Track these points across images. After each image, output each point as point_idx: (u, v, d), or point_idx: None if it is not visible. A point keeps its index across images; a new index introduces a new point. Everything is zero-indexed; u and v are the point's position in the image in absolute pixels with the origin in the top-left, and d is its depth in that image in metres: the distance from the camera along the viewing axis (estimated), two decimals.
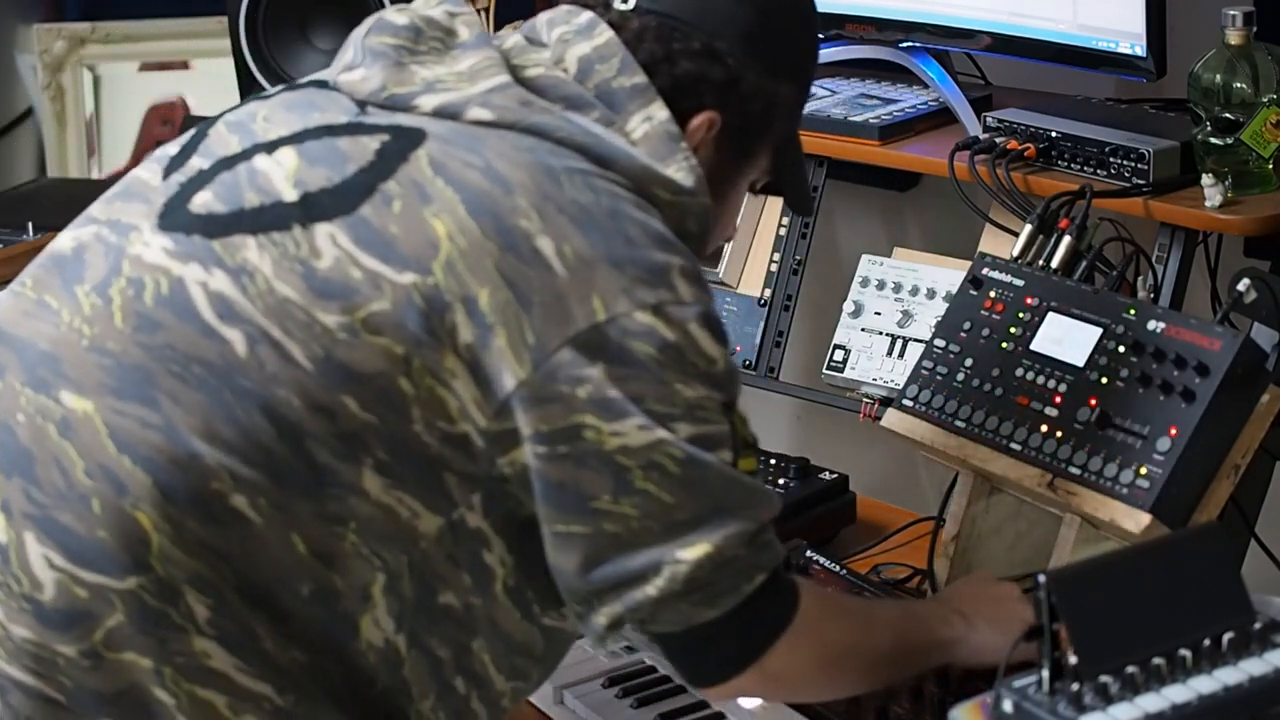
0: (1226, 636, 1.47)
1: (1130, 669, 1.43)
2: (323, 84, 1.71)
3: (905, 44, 2.53)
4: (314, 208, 1.57)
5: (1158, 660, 1.44)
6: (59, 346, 1.58)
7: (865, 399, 2.40)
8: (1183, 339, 1.91)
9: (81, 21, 3.55)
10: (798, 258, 2.55)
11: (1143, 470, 1.88)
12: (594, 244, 1.55)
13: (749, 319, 2.57)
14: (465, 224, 1.54)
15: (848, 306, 2.44)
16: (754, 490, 1.61)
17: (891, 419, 2.14)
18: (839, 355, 2.43)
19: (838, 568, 2.13)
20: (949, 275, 2.35)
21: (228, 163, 1.64)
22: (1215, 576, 1.52)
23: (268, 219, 1.58)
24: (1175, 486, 1.87)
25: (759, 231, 2.59)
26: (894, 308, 2.41)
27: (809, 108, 2.53)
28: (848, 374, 2.42)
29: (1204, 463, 1.90)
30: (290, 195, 1.58)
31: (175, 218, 1.61)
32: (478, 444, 1.56)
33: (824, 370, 2.45)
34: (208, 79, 3.60)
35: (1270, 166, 2.12)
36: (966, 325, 2.11)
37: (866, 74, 2.67)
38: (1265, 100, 2.08)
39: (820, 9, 2.57)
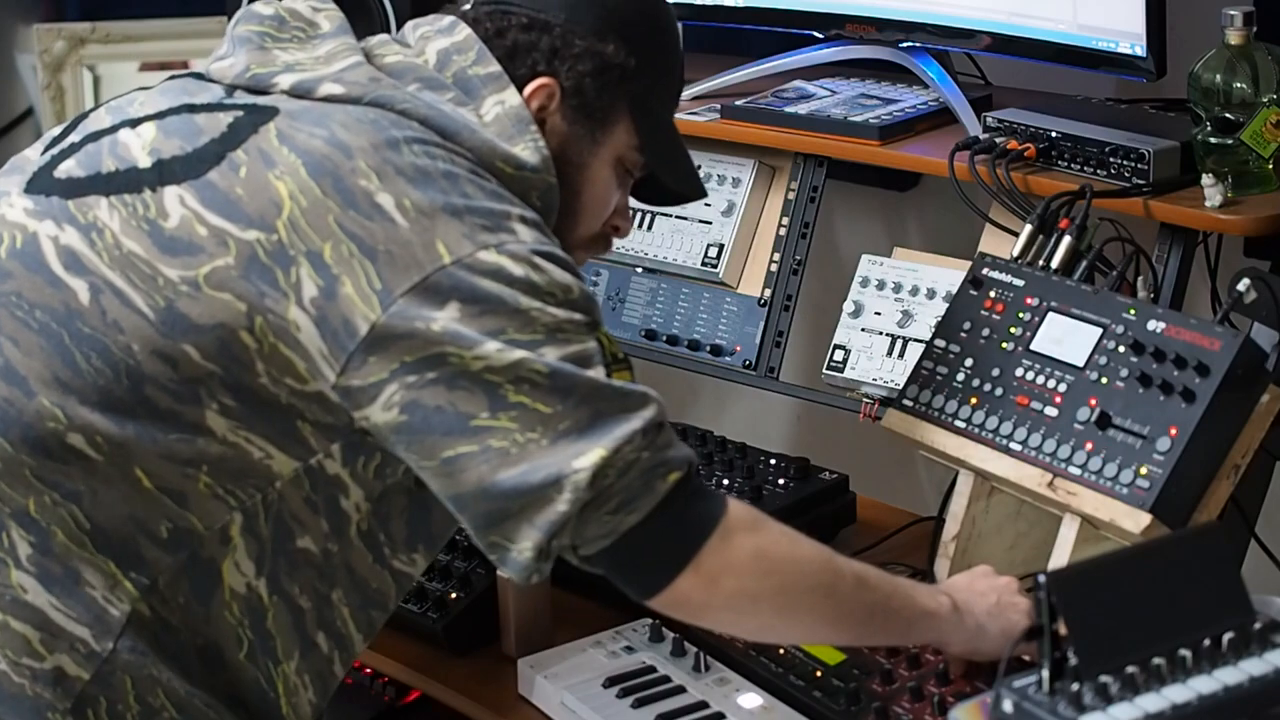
0: (1226, 636, 1.47)
1: (1130, 669, 1.43)
2: (200, 75, 1.82)
3: (905, 44, 2.53)
4: (165, 173, 1.68)
5: (1158, 660, 1.44)
6: None
7: (865, 399, 2.40)
8: (1183, 339, 1.91)
9: (81, 21, 3.55)
10: (798, 258, 2.55)
11: (1143, 470, 1.88)
12: (432, 199, 1.63)
13: (749, 319, 2.57)
14: (306, 184, 1.63)
15: (848, 306, 2.44)
16: (630, 393, 1.65)
17: (891, 419, 2.14)
18: (839, 355, 2.43)
19: None
20: (949, 275, 2.35)
21: (95, 136, 1.76)
22: (1215, 576, 1.52)
23: (120, 182, 1.69)
24: (1175, 486, 1.88)
25: (759, 231, 2.59)
26: (894, 308, 2.41)
27: (809, 107, 2.55)
28: (848, 374, 2.42)
29: (1204, 463, 1.90)
30: (145, 162, 1.70)
31: (40, 182, 1.73)
32: (333, 399, 1.63)
33: (824, 370, 2.45)
34: None
35: (1270, 166, 2.12)
36: (966, 325, 2.11)
37: (866, 74, 2.67)
38: (1265, 100, 2.08)
39: (820, 9, 2.60)
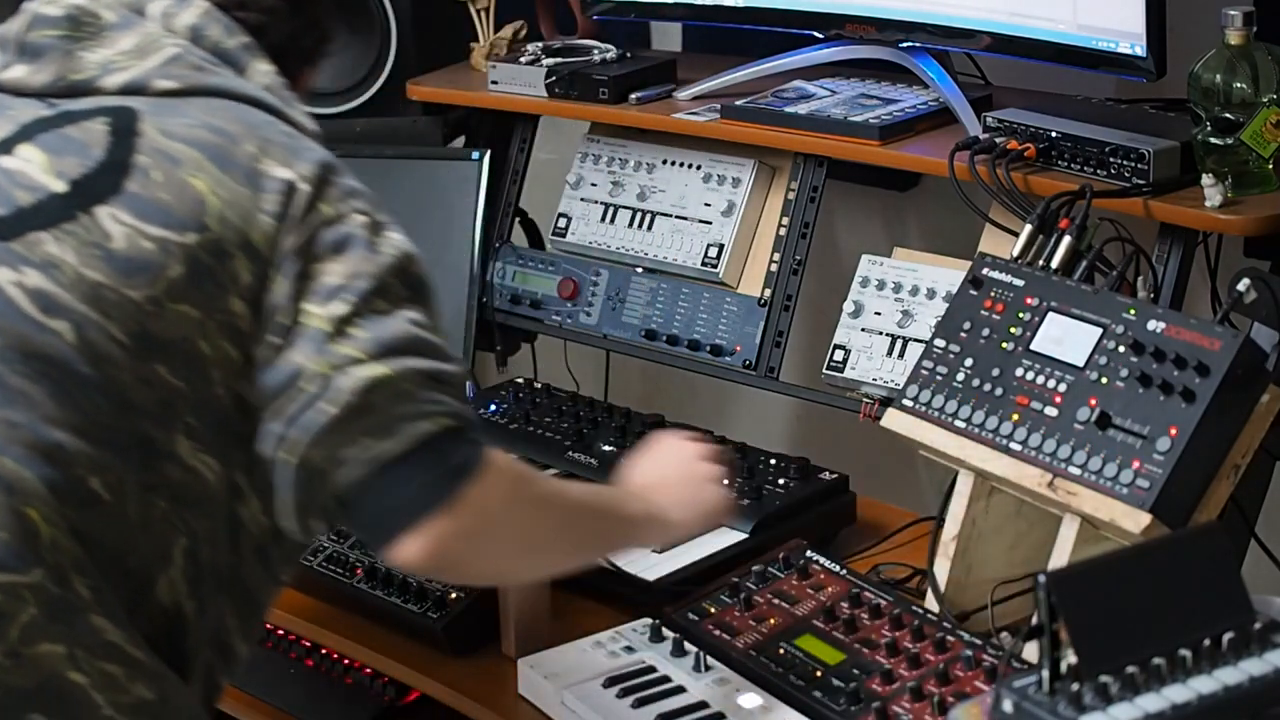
0: (1226, 636, 1.47)
1: (1130, 669, 1.43)
2: None
3: (905, 44, 2.53)
4: (86, 192, 1.65)
5: (1158, 660, 1.44)
6: None
7: (865, 399, 2.40)
8: (1183, 339, 1.91)
9: None
10: (798, 258, 2.55)
11: (1143, 470, 1.88)
12: (315, 162, 1.70)
13: (749, 319, 2.57)
14: (219, 178, 1.66)
15: (848, 306, 2.44)
16: (436, 345, 1.69)
17: (891, 419, 2.14)
18: (839, 355, 2.43)
19: (838, 568, 2.13)
20: (949, 275, 2.35)
21: None
22: (1215, 576, 1.52)
23: (50, 212, 1.65)
24: (1175, 486, 1.87)
25: (759, 231, 2.60)
26: (894, 308, 2.41)
27: (809, 107, 2.55)
28: (848, 374, 2.42)
29: (1204, 463, 1.90)
30: (58, 185, 1.66)
31: None
32: (248, 399, 1.66)
33: (824, 370, 2.45)
34: None
35: (1270, 166, 2.12)
36: (966, 325, 2.11)
37: (866, 74, 2.67)
38: (1265, 100, 2.08)
39: (820, 9, 2.60)
